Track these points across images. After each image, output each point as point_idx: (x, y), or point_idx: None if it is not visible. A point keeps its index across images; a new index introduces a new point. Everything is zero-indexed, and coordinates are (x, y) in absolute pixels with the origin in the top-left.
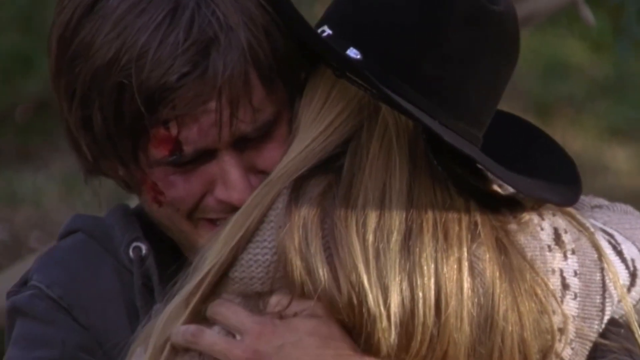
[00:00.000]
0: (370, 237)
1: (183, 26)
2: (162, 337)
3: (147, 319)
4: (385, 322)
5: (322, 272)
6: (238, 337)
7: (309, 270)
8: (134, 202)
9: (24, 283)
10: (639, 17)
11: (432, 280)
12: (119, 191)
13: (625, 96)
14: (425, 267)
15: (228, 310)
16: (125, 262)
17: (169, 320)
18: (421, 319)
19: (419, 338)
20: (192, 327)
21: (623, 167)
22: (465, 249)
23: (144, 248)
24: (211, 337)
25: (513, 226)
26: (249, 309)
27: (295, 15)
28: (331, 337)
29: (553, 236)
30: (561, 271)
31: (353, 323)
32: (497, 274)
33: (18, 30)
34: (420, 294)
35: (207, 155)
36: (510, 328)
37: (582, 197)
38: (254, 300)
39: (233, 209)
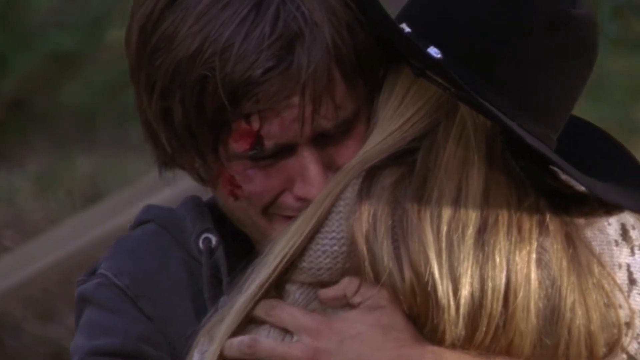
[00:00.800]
0: (444, 228)
1: (269, 21)
2: (232, 328)
3: (213, 310)
4: (453, 313)
5: (387, 261)
6: (295, 337)
7: (375, 258)
8: (106, 201)
9: (92, 272)
10: (613, 15)
11: (504, 272)
12: (93, 190)
13: (601, 95)
14: (497, 260)
15: (282, 311)
16: (195, 253)
17: (238, 313)
18: (488, 310)
19: (483, 329)
20: (246, 339)
21: None
22: (535, 243)
23: (213, 239)
24: (268, 344)
25: (580, 221)
26: (305, 303)
27: (380, 12)
28: (393, 327)
29: (620, 232)
30: (628, 266)
31: (417, 313)
32: (565, 267)
33: None
34: (490, 285)
35: (286, 150)
36: (577, 321)
37: None
38: (316, 289)
39: None
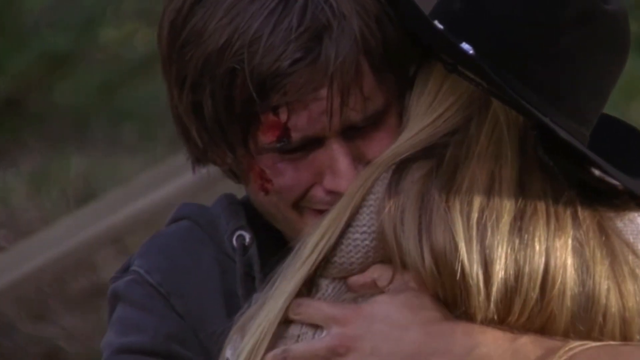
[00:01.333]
0: (475, 216)
1: (296, 13)
2: (273, 327)
3: (246, 307)
4: (483, 299)
5: (414, 254)
6: (325, 331)
7: (403, 252)
8: (100, 200)
9: (125, 269)
10: None
11: (543, 258)
12: (87, 190)
13: None
14: (537, 247)
15: (309, 307)
16: (229, 251)
17: (279, 312)
18: (523, 296)
19: (516, 313)
20: (278, 353)
21: None
22: (570, 231)
23: (247, 237)
24: (298, 349)
25: (611, 213)
26: (336, 296)
27: (414, 7)
28: (422, 307)
29: None
30: None
31: (444, 297)
32: (599, 255)
33: None
34: (527, 271)
35: (315, 143)
36: (612, 308)
37: None
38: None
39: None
